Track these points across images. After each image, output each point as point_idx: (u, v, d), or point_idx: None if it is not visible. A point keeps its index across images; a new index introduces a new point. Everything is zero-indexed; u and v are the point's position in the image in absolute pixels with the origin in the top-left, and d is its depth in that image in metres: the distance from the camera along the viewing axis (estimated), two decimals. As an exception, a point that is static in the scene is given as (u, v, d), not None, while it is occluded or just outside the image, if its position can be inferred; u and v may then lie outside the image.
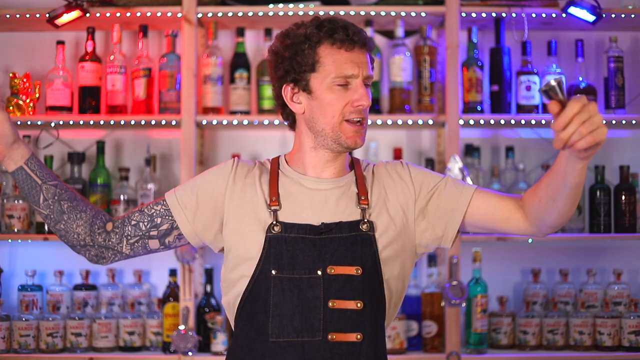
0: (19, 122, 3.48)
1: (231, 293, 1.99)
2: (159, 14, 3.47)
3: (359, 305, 1.91)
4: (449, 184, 2.03)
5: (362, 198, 1.98)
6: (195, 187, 2.04)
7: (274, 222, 1.95)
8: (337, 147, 1.99)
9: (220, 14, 3.47)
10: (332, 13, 3.42)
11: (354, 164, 2.09)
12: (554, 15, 3.46)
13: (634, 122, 3.49)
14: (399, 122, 3.48)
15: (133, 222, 2.04)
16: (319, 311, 1.90)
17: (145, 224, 2.04)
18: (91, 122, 3.51)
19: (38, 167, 2.03)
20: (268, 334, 1.91)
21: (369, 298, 1.93)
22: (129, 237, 2.04)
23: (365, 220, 1.96)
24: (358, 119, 1.98)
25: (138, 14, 3.46)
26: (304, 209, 1.97)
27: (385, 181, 2.04)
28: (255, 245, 1.95)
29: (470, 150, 3.59)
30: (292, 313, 1.90)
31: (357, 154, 3.64)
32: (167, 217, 2.04)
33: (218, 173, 2.05)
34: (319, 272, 1.91)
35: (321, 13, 3.41)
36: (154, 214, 2.04)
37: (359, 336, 1.90)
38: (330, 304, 1.90)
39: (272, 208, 1.97)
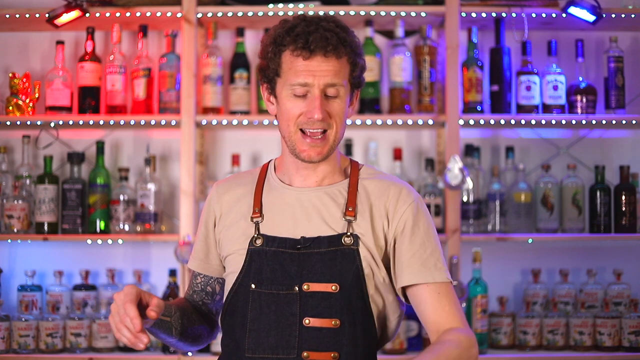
0: (18, 122, 3.49)
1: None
2: (158, 14, 3.46)
3: (335, 323, 1.84)
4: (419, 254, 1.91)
5: (350, 209, 1.90)
6: (201, 235, 2.05)
7: (256, 235, 1.91)
8: (299, 159, 1.92)
9: (220, 14, 3.47)
10: (332, 13, 3.42)
11: (351, 169, 2.00)
12: (554, 15, 3.46)
13: (634, 122, 3.48)
14: (399, 122, 3.48)
15: (200, 303, 2.08)
16: (295, 329, 1.84)
17: (207, 298, 2.07)
18: (91, 122, 3.50)
19: (165, 309, 1.91)
20: (245, 349, 1.87)
21: (349, 316, 1.85)
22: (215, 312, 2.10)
23: (349, 233, 1.88)
24: (314, 130, 1.88)
25: (138, 14, 3.46)
26: (286, 221, 1.92)
27: (378, 199, 1.93)
28: (239, 258, 1.92)
29: (470, 151, 3.58)
30: (268, 329, 1.86)
31: (357, 153, 3.64)
32: (211, 281, 2.05)
33: (206, 210, 2.04)
34: (296, 289, 1.85)
35: (321, 13, 3.40)
36: (202, 287, 2.06)
37: (334, 355, 1.83)
38: (305, 321, 1.84)
39: (254, 220, 1.93)
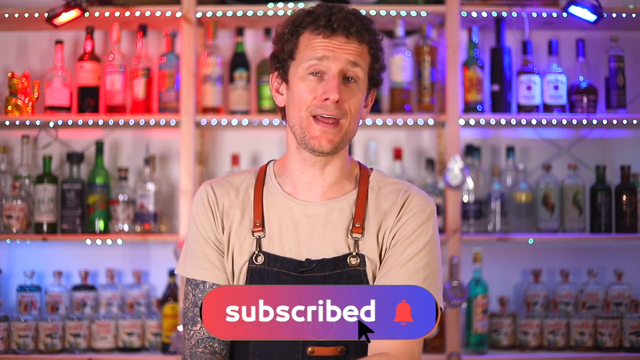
0: (17, 122, 3.48)
1: None
2: (158, 14, 3.45)
3: (340, 351, 1.74)
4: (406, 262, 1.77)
5: (357, 225, 1.77)
6: (201, 238, 1.85)
7: (257, 252, 1.79)
8: (308, 150, 1.77)
9: (219, 14, 3.46)
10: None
11: (360, 176, 1.86)
12: (554, 14, 3.45)
13: (635, 121, 3.47)
14: (399, 122, 3.47)
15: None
16: (298, 356, 1.75)
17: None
18: (90, 122, 3.49)
19: None
20: None
21: (354, 342, 1.72)
22: None
23: (355, 253, 1.76)
24: (327, 116, 1.73)
25: (137, 14, 3.45)
26: (289, 239, 1.79)
27: (389, 210, 1.80)
28: (239, 275, 1.81)
29: (470, 150, 3.57)
30: (270, 356, 1.76)
31: (357, 153, 3.63)
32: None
33: (202, 211, 1.84)
34: None
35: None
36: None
37: None
38: (309, 349, 1.74)
39: (256, 234, 1.80)
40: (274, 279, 1.77)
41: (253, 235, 1.80)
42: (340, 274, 1.76)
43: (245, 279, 1.79)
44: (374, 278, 1.78)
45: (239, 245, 1.81)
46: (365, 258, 1.77)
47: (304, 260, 1.78)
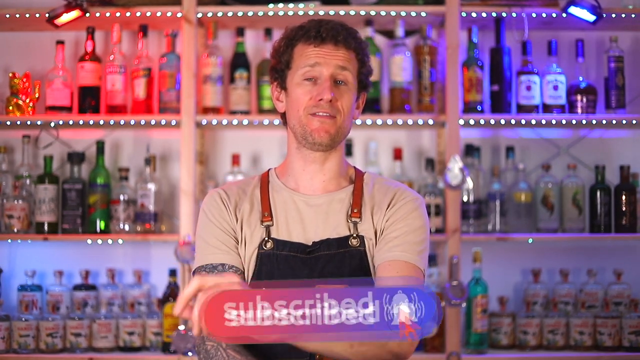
0: (18, 122, 3.49)
1: None
2: (158, 14, 3.46)
3: None
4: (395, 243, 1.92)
5: (355, 211, 1.95)
6: (216, 228, 1.96)
7: (266, 238, 1.94)
8: (308, 145, 1.95)
9: (220, 14, 3.47)
10: (332, 13, 3.42)
11: (356, 176, 2.03)
12: (554, 15, 3.46)
13: (634, 122, 3.48)
14: (399, 122, 3.48)
15: None
16: None
17: None
18: (91, 122, 3.50)
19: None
20: (256, 353, 1.86)
21: None
22: None
23: (355, 235, 1.94)
24: (322, 114, 1.92)
25: (138, 14, 3.46)
26: (296, 226, 1.95)
27: (381, 200, 1.97)
28: (249, 262, 1.94)
29: (470, 150, 3.58)
30: None
31: (357, 153, 3.63)
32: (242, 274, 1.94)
33: (215, 207, 1.98)
34: None
35: (321, 13, 3.41)
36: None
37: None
38: None
39: (265, 224, 1.95)
40: (283, 262, 1.91)
41: (262, 224, 1.95)
42: (343, 253, 1.92)
43: (255, 264, 1.93)
44: (372, 258, 1.94)
45: (250, 233, 1.95)
46: (364, 239, 1.94)
47: (310, 243, 1.93)
